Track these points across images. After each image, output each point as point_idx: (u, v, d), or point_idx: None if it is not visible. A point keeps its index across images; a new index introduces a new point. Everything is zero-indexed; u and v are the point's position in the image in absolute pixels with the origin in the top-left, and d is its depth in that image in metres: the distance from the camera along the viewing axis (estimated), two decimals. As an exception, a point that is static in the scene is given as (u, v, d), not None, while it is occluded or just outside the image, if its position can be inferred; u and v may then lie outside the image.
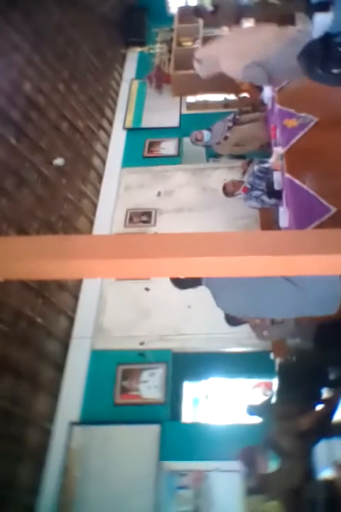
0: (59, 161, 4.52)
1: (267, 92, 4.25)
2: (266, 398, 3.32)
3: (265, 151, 4.38)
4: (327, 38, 3.13)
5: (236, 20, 5.70)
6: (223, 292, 2.52)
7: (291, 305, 2.48)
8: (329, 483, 2.18)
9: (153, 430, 3.40)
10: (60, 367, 3.81)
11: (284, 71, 3.49)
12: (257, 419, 3.15)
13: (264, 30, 3.77)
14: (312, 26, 3.65)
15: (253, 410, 3.14)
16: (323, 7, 3.47)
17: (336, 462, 2.16)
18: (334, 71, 3.06)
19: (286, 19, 5.47)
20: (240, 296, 2.51)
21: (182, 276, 2.53)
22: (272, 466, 2.64)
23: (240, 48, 3.68)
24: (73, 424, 3.52)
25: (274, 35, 3.64)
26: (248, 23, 5.71)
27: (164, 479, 3.25)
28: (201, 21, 6.09)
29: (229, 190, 4.23)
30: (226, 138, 4.69)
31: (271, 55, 3.54)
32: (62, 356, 3.88)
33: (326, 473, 2.24)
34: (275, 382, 3.17)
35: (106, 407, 3.61)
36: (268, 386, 3.78)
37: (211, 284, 2.53)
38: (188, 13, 6.28)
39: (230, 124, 4.70)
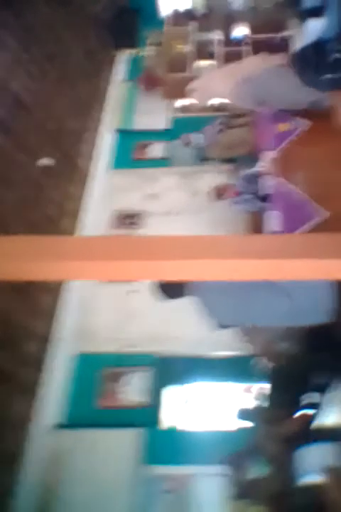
0: (46, 161, 4.46)
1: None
2: (258, 403, 3.28)
3: (255, 154, 4.37)
4: (319, 44, 3.14)
5: (227, 24, 5.71)
6: (211, 298, 2.50)
7: (281, 311, 2.47)
8: (315, 489, 2.14)
9: (136, 434, 3.35)
10: (42, 369, 3.74)
11: (277, 95, 3.50)
12: (247, 424, 3.11)
13: (254, 58, 3.86)
14: (304, 32, 3.68)
15: (244, 415, 3.10)
16: (316, 13, 3.49)
17: (323, 467, 2.13)
18: (326, 76, 3.08)
19: (278, 25, 5.50)
20: (228, 300, 2.49)
21: (162, 291, 2.53)
22: (258, 471, 2.60)
23: (231, 70, 3.78)
24: (55, 427, 3.46)
25: (264, 60, 3.71)
26: (240, 28, 5.75)
27: (147, 484, 3.19)
28: (193, 24, 6.08)
29: (218, 194, 4.22)
30: (216, 141, 4.68)
31: (261, 76, 3.57)
32: (44, 358, 3.81)
33: (313, 478, 2.20)
34: (264, 386, 3.14)
35: (89, 411, 3.55)
36: (258, 390, 3.74)
37: (199, 293, 2.50)
38: (180, 17, 6.28)
39: (221, 127, 4.69)
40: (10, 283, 3.43)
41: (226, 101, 4.03)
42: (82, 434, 3.42)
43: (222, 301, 2.48)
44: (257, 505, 2.42)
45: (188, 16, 6.16)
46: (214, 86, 3.82)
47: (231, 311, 2.52)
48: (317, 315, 2.52)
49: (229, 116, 4.90)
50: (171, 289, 2.56)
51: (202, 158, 5.26)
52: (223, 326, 2.95)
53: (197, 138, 4.73)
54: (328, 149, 3.40)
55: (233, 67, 3.94)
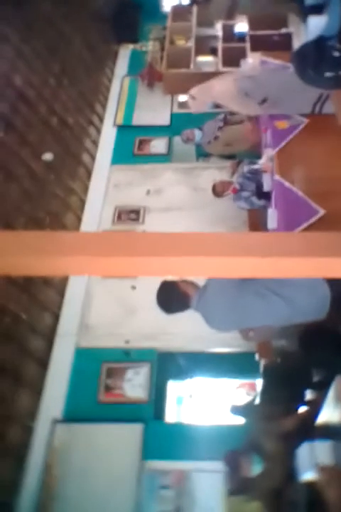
0: (48, 156, 4.47)
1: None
2: (250, 399, 3.32)
3: (255, 151, 4.38)
4: (320, 41, 3.14)
5: (228, 15, 5.68)
6: (214, 313, 2.53)
7: (281, 317, 2.51)
8: (310, 486, 2.18)
9: (136, 429, 3.38)
10: (43, 364, 3.78)
11: (279, 94, 3.50)
12: (240, 420, 3.15)
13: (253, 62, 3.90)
14: (305, 28, 3.68)
15: (237, 410, 3.14)
16: (317, 10, 3.49)
17: (318, 464, 2.16)
18: (327, 74, 3.08)
19: (279, 22, 5.48)
20: (230, 313, 2.52)
21: (169, 301, 2.55)
22: (255, 469, 2.63)
23: (230, 75, 3.88)
24: (56, 421, 3.49)
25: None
26: (242, 24, 5.73)
27: (146, 478, 3.23)
28: (194, 18, 6.07)
29: (218, 191, 4.23)
30: (216, 137, 4.68)
31: (262, 74, 3.59)
32: (46, 353, 3.84)
33: (308, 476, 2.24)
34: (259, 383, 3.17)
35: (89, 405, 3.58)
36: (253, 387, 3.78)
37: (201, 308, 2.53)
38: (182, 12, 6.27)
39: (221, 124, 4.69)
40: (14, 278, 3.46)
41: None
42: (83, 428, 3.46)
43: (221, 311, 2.51)
44: (253, 501, 2.45)
45: (191, 2, 6.17)
46: (213, 91, 3.82)
47: (230, 318, 2.55)
48: (314, 312, 2.55)
49: (230, 113, 4.89)
50: (174, 304, 2.59)
51: (203, 154, 5.27)
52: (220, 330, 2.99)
53: (197, 134, 4.73)
54: (327, 147, 3.41)
55: (232, 73, 3.97)
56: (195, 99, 3.90)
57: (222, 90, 3.77)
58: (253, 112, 3.92)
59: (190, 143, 4.85)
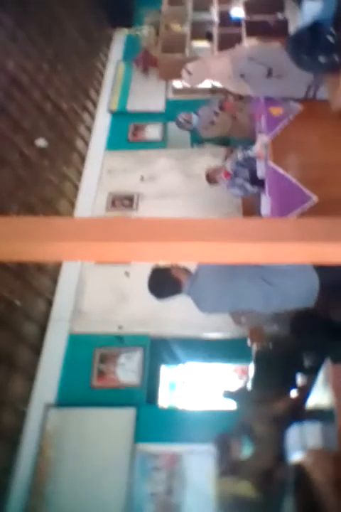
0: (41, 142, 4.45)
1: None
2: (242, 384, 3.35)
3: (249, 138, 4.38)
4: (315, 26, 3.12)
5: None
6: (206, 297, 2.55)
7: (271, 303, 2.54)
8: (298, 466, 2.21)
9: (128, 413, 3.41)
10: (37, 349, 3.79)
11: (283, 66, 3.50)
12: (233, 404, 3.19)
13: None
14: (301, 13, 3.65)
15: (229, 395, 3.17)
16: (313, -6, 3.46)
17: (306, 446, 2.20)
18: (321, 59, 3.07)
19: (276, 6, 5.44)
20: (222, 297, 2.55)
21: (161, 287, 2.57)
22: (246, 451, 2.67)
23: (227, 53, 3.89)
24: (49, 406, 3.52)
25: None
26: (238, 8, 5.68)
27: (138, 461, 3.27)
28: (190, 2, 6.02)
29: (211, 177, 4.22)
30: (213, 122, 4.67)
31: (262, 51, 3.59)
32: (39, 338, 3.86)
33: (296, 456, 2.27)
34: (251, 368, 3.20)
35: (82, 390, 3.61)
36: (245, 372, 3.82)
37: (193, 292, 2.54)
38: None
39: (217, 109, 4.68)
40: (7, 264, 3.46)
41: (218, 84, 4.00)
42: (76, 412, 3.48)
43: (212, 295, 2.53)
44: (243, 481, 2.49)
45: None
46: (210, 69, 3.82)
47: (219, 301, 2.57)
48: (301, 301, 2.59)
49: (225, 99, 4.87)
50: (165, 289, 2.60)
51: (198, 140, 5.25)
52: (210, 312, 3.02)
53: (194, 118, 4.71)
54: (321, 134, 3.41)
55: (229, 52, 3.95)
56: (190, 75, 3.90)
57: (218, 70, 3.77)
58: (248, 93, 3.91)
59: (187, 126, 4.79)
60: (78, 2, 5.98)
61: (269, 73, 3.57)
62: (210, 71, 3.81)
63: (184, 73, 3.92)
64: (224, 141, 4.94)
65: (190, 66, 3.91)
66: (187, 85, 4.07)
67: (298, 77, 3.41)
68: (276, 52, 3.67)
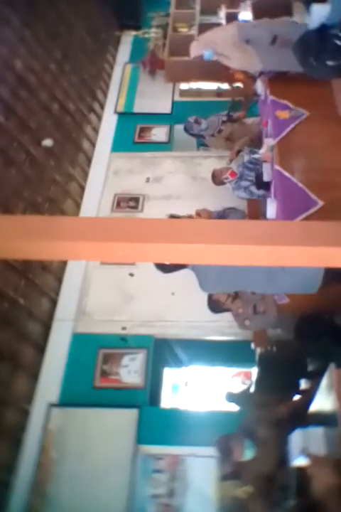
0: (48, 142, 4.47)
1: (261, 84, 4.24)
2: (245, 387, 3.35)
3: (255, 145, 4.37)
4: (323, 30, 3.12)
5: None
6: (209, 274, 2.57)
7: (276, 281, 2.55)
8: (300, 471, 2.21)
9: (131, 414, 3.41)
10: (40, 348, 3.80)
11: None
12: (235, 407, 3.18)
13: None
14: (309, 16, 3.65)
15: (232, 398, 3.17)
16: (321, -2, 3.46)
17: (307, 450, 2.19)
18: (328, 63, 3.06)
19: (284, 10, 5.43)
20: (225, 275, 2.56)
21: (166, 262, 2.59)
22: (248, 454, 2.66)
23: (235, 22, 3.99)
24: (52, 405, 3.52)
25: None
26: (246, 12, 5.68)
27: (140, 462, 3.27)
28: (197, 5, 6.02)
29: (217, 178, 4.23)
30: (220, 131, 4.69)
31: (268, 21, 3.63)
32: (43, 338, 3.87)
33: (299, 461, 2.27)
34: (254, 371, 3.20)
35: (85, 390, 3.61)
36: (248, 375, 3.81)
37: (197, 268, 2.56)
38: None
39: (224, 118, 4.70)
40: (12, 263, 3.48)
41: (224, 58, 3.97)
42: (79, 412, 3.49)
43: (216, 272, 2.55)
44: (244, 486, 2.48)
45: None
46: (215, 35, 3.85)
47: (225, 280, 2.59)
48: (307, 285, 2.60)
49: (234, 111, 4.87)
50: (165, 264, 2.62)
51: (204, 143, 5.25)
52: (217, 310, 3.02)
53: (203, 122, 4.71)
54: (327, 138, 3.40)
55: (236, 22, 4.04)
56: (197, 41, 3.94)
57: (223, 36, 3.79)
58: (250, 65, 3.91)
59: (196, 129, 4.76)
60: (86, 2, 6.00)
61: (274, 40, 3.59)
62: (215, 39, 3.83)
63: (192, 44, 3.99)
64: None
65: (198, 36, 3.98)
66: (191, 52, 4.08)
67: None
68: (283, 23, 3.70)
